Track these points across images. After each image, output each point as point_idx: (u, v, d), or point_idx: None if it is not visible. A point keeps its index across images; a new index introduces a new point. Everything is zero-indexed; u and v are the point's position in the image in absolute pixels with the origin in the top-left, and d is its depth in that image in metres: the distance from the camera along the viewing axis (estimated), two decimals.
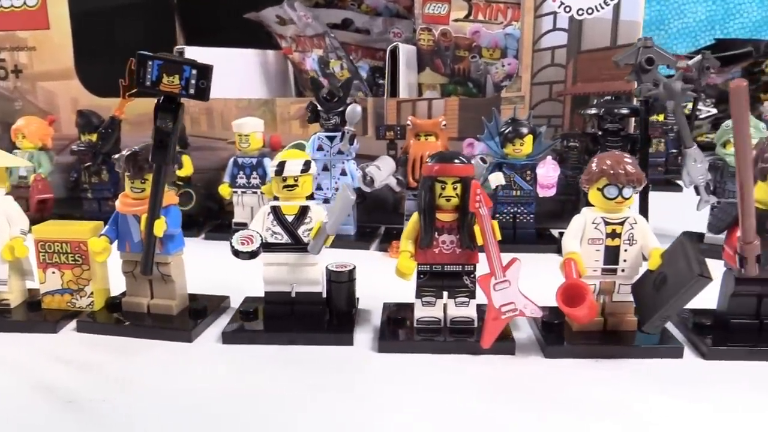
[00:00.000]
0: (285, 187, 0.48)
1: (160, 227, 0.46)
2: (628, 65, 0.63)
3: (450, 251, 0.46)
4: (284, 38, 1.06)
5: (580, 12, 0.70)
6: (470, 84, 0.93)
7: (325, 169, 0.70)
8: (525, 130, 0.65)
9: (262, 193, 0.71)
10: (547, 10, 0.70)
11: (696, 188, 0.65)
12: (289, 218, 0.48)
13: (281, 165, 0.47)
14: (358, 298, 0.52)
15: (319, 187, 0.70)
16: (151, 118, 0.44)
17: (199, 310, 0.50)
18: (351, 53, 1.12)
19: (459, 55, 0.91)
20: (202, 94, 0.43)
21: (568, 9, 0.70)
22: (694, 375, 0.42)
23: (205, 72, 0.42)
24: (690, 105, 0.99)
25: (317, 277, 0.48)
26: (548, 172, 0.64)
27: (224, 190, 0.73)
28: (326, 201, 0.71)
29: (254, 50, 1.03)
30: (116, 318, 0.50)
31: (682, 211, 0.67)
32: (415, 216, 0.46)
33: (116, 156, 0.49)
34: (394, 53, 0.74)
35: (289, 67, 1.11)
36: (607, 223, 0.44)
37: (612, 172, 0.43)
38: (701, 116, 1.16)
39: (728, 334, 0.46)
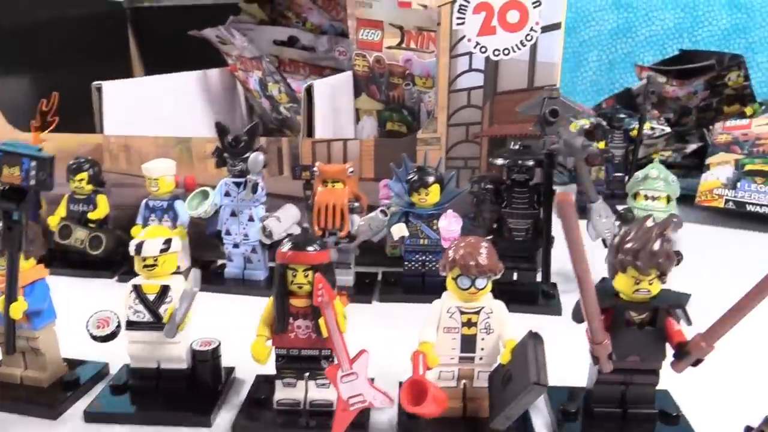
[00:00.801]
0: (144, 266, 0.47)
1: (17, 310, 0.45)
2: (532, 115, 0.61)
3: (306, 336, 0.45)
4: (230, 56, 1.04)
5: (496, 53, 0.68)
6: (405, 111, 0.91)
7: (233, 214, 0.69)
8: (430, 179, 0.64)
9: None
10: (462, 50, 0.68)
11: (603, 242, 0.63)
12: (151, 297, 0.47)
13: (139, 245, 0.46)
14: (233, 369, 0.51)
15: (227, 233, 0.69)
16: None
17: (71, 382, 0.50)
18: (299, 70, 1.11)
19: (393, 82, 0.90)
20: (43, 184, 0.42)
21: (483, 49, 0.68)
22: None
23: (43, 164, 0.42)
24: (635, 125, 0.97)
25: (181, 355, 0.48)
26: (450, 225, 0.63)
27: (136, 232, 0.71)
28: (235, 246, 0.70)
29: (194, 72, 1.02)
30: None
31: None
32: (271, 300, 0.45)
33: None
34: (310, 92, 0.72)
35: (238, 84, 1.10)
36: (462, 312, 0.43)
37: (463, 263, 0.42)
38: (655, 135, 1.13)
39: (591, 422, 0.45)
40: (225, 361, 0.51)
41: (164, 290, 0.47)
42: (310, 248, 0.43)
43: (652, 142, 1.15)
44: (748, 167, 0.94)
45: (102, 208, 0.74)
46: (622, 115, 0.99)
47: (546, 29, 0.67)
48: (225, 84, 1.11)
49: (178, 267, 0.72)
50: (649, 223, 0.41)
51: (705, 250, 0.81)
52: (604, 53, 1.45)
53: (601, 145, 0.94)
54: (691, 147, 1.17)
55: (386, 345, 0.49)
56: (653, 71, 1.29)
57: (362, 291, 0.68)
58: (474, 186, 0.72)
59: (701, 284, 0.69)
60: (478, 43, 0.68)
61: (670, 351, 0.43)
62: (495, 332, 0.43)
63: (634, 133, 0.98)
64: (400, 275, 0.68)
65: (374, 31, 0.88)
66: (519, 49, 0.68)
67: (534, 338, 0.42)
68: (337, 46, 1.05)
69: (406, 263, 0.68)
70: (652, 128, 1.14)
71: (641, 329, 0.43)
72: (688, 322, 0.42)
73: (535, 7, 0.66)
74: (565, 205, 0.34)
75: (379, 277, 0.71)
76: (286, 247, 0.43)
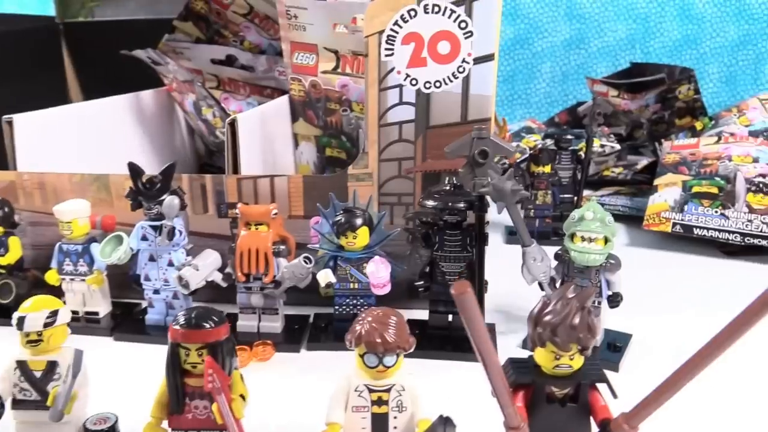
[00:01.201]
0: (28, 342, 0.43)
1: None
2: (461, 156, 0.58)
3: (204, 416, 0.41)
4: (166, 77, 0.99)
5: (427, 85, 0.65)
6: (344, 137, 0.87)
7: (152, 259, 0.64)
8: (358, 222, 0.60)
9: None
10: (392, 82, 0.65)
11: (540, 285, 0.61)
12: (37, 374, 0.43)
13: (21, 320, 0.42)
14: None
15: (147, 278, 0.65)
16: None
17: None
18: (239, 90, 1.07)
19: (330, 108, 0.86)
20: None
21: (414, 82, 0.65)
22: None
23: None
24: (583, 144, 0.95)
25: None
26: (378, 272, 0.59)
27: (51, 277, 0.67)
28: (156, 292, 0.66)
29: (126, 96, 0.97)
30: None
31: None
32: (164, 379, 0.41)
33: None
34: (233, 125, 0.68)
35: (176, 105, 1.05)
36: (371, 390, 0.40)
37: (369, 340, 0.38)
38: (606, 152, 1.11)
39: None
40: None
41: (51, 366, 0.43)
42: (205, 324, 0.40)
43: (603, 160, 1.13)
44: (695, 189, 0.93)
45: (13, 252, 0.69)
46: (569, 136, 0.96)
47: (479, 60, 0.64)
48: (162, 105, 1.06)
49: (97, 313, 0.69)
50: (570, 293, 0.38)
51: (651, 278, 0.80)
52: (557, 65, 1.44)
53: (547, 169, 0.92)
54: (642, 163, 1.16)
55: (311, 399, 0.46)
56: (604, 84, 1.27)
57: (290, 338, 0.64)
58: (408, 223, 0.69)
59: (645, 320, 0.67)
60: (408, 75, 0.65)
61: None
62: (408, 410, 0.40)
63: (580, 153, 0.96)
64: (332, 318, 0.65)
65: (309, 54, 0.84)
66: (451, 81, 0.64)
67: (445, 423, 0.39)
68: (277, 66, 1.01)
69: (336, 307, 0.64)
70: (602, 145, 1.12)
71: (563, 406, 0.40)
72: (614, 395, 0.39)
73: (466, 38, 0.63)
74: (462, 296, 0.31)
75: (311, 319, 0.68)
76: (177, 323, 0.40)
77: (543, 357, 0.39)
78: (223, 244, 0.67)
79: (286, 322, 0.66)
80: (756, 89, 1.40)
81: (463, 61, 0.64)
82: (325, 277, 0.61)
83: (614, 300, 0.60)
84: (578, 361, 0.39)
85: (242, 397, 0.40)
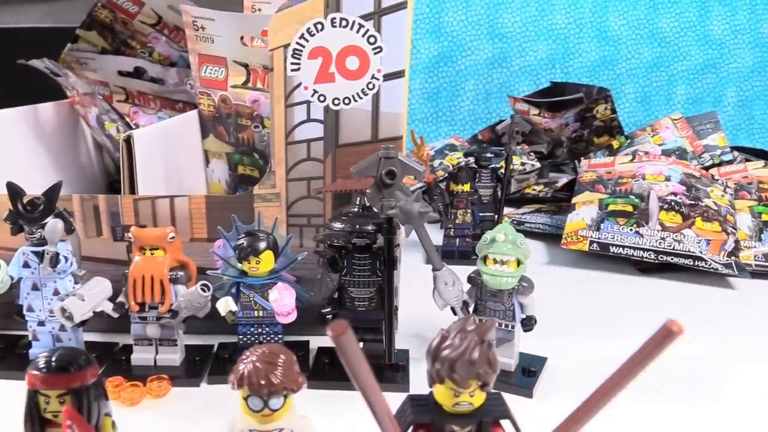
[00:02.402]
0: None
1: None
2: (369, 176, 0.55)
3: None
4: (68, 89, 0.93)
5: (336, 102, 0.62)
6: (256, 155, 0.84)
7: (35, 288, 0.59)
8: (262, 245, 0.57)
9: None
10: (299, 98, 0.62)
11: (453, 310, 0.59)
12: None
13: None
14: None
15: (30, 309, 0.60)
16: None
17: None
18: (149, 103, 1.01)
19: (242, 124, 0.82)
20: None
21: (322, 98, 0.62)
22: None
23: None
24: (502, 163, 0.94)
25: None
26: (282, 299, 0.56)
27: None
28: (41, 324, 0.60)
29: (21, 108, 0.90)
30: None
31: None
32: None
33: None
34: (129, 142, 0.64)
35: (80, 119, 0.99)
36: None
37: (252, 381, 0.35)
38: (526, 170, 1.12)
39: None
40: None
41: None
42: (69, 368, 0.35)
43: (524, 177, 1.13)
44: (611, 207, 0.94)
45: None
46: (489, 154, 0.96)
47: (389, 77, 0.62)
48: (66, 119, 0.99)
49: None
50: (469, 326, 0.36)
51: (569, 297, 0.79)
52: (480, 83, 1.44)
53: (466, 187, 0.91)
54: (562, 181, 1.17)
55: None
56: (526, 102, 1.28)
57: (190, 371, 0.60)
58: (318, 245, 0.66)
59: (560, 342, 0.66)
60: (315, 91, 0.62)
61: None
62: None
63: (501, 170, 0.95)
64: (237, 348, 0.61)
65: (218, 68, 0.80)
66: (360, 98, 0.62)
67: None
68: (188, 79, 0.96)
69: (240, 337, 0.60)
70: (523, 163, 1.12)
71: None
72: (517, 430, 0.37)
73: (375, 54, 0.61)
74: (340, 339, 0.28)
75: (215, 349, 0.64)
76: (36, 367, 0.35)
77: (442, 394, 0.36)
78: (119, 270, 0.62)
79: (187, 353, 0.62)
80: (669, 109, 1.45)
81: (373, 77, 0.62)
82: (226, 306, 0.57)
83: (528, 323, 0.59)
84: (479, 398, 0.36)
85: None
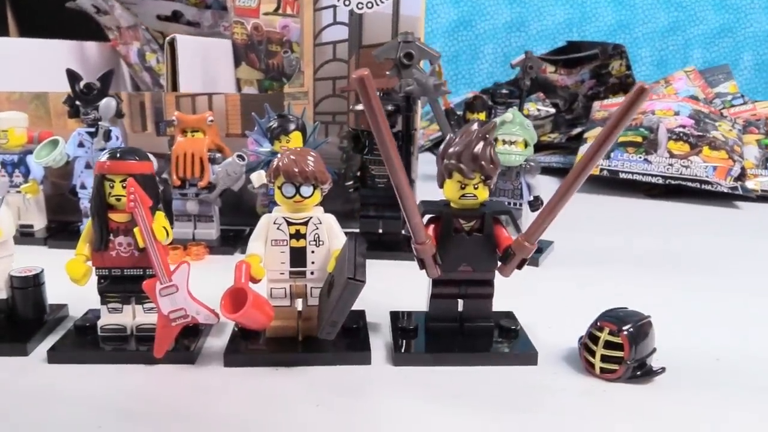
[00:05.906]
0: None
1: None
2: (389, 60, 0.61)
3: (128, 254, 0.42)
4: (110, 30, 1.00)
5: (360, 6, 0.68)
6: (285, 80, 0.90)
7: (88, 166, 0.65)
8: (291, 126, 0.62)
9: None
10: (326, 3, 0.68)
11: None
12: None
13: None
14: (66, 305, 0.48)
15: (83, 186, 0.66)
16: None
17: None
18: None
19: (272, 50, 0.88)
20: None
21: (347, 2, 0.68)
22: (373, 382, 0.40)
23: None
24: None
25: None
26: None
27: None
28: None
29: (70, 41, 0.98)
30: None
31: None
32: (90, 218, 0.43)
33: None
34: (172, 44, 0.70)
35: (122, 61, 1.06)
36: (290, 224, 0.42)
37: (287, 170, 0.41)
38: (541, 116, 1.16)
39: (429, 338, 0.44)
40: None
41: None
42: (130, 158, 0.41)
43: (540, 123, 1.18)
44: (621, 139, 0.98)
45: None
46: (504, 90, 1.01)
47: None
48: (105, 59, 1.07)
49: (32, 226, 0.69)
50: (474, 127, 0.41)
51: (579, 213, 0.84)
52: (499, 46, 1.49)
53: (482, 116, 0.96)
54: (577, 130, 1.21)
55: None
56: (542, 60, 1.33)
57: (225, 243, 0.66)
58: (343, 141, 0.71)
59: (565, 233, 0.71)
60: None
61: None
62: (325, 245, 0.42)
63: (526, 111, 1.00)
64: None
65: None
66: (382, 2, 0.68)
67: (354, 240, 0.41)
68: (222, 21, 1.03)
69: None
70: (538, 109, 1.17)
71: (470, 236, 0.42)
72: (517, 228, 0.42)
73: None
74: (361, 80, 0.33)
75: (247, 232, 0.70)
76: (104, 157, 0.41)
77: (450, 189, 0.42)
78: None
79: (222, 231, 0.68)
80: None
81: None
82: (259, 178, 0.62)
83: (535, 204, 0.63)
84: (482, 192, 0.42)
85: (165, 230, 0.41)
